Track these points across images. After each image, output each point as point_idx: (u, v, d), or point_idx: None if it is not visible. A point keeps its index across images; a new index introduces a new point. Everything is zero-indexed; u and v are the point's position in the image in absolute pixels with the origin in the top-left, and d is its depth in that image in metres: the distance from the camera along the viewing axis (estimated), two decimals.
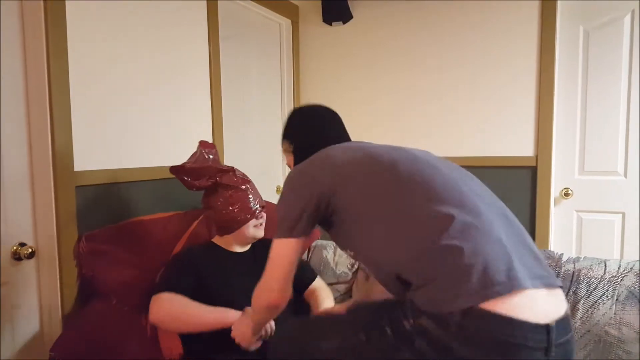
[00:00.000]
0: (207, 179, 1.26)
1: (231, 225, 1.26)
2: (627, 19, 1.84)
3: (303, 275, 1.36)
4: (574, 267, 1.29)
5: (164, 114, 1.55)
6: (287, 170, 1.83)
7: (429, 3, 2.12)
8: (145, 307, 1.23)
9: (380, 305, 0.82)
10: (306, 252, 1.62)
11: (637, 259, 1.85)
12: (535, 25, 1.94)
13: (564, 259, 1.34)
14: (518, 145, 2.00)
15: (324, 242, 1.65)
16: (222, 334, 1.09)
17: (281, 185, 1.89)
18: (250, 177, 1.36)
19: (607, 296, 1.21)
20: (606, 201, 1.93)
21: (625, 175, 1.90)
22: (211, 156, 1.31)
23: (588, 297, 1.23)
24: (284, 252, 0.87)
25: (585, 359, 1.19)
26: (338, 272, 1.54)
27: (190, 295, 1.15)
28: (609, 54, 1.88)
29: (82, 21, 1.25)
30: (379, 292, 0.92)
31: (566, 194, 1.98)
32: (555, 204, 2.01)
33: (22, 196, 1.18)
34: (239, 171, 1.32)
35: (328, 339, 0.82)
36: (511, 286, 0.69)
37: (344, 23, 2.28)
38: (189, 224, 1.46)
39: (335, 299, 1.49)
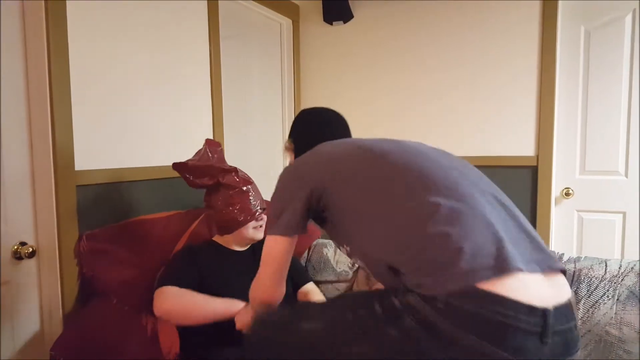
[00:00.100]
0: (209, 178, 1.27)
1: (231, 225, 1.26)
2: (628, 18, 1.84)
3: (298, 276, 1.36)
4: (575, 267, 1.29)
5: (165, 113, 1.55)
6: None
7: (430, 3, 2.11)
8: (145, 307, 1.23)
9: (371, 291, 0.81)
10: (307, 250, 1.62)
11: (638, 258, 1.85)
12: (536, 25, 1.93)
13: (565, 258, 1.34)
14: (519, 145, 2.00)
15: (325, 240, 1.65)
16: (222, 330, 1.09)
17: None
18: (252, 177, 1.37)
19: (607, 296, 1.21)
20: (607, 201, 1.92)
21: (626, 175, 1.90)
22: (215, 155, 1.31)
23: (589, 296, 1.23)
24: (276, 249, 0.88)
25: (586, 358, 1.19)
26: (338, 270, 1.54)
27: (193, 290, 1.15)
28: (610, 53, 1.87)
29: (82, 21, 1.25)
30: None
31: (567, 194, 1.98)
32: (556, 204, 2.01)
33: (23, 195, 1.18)
34: (242, 172, 1.32)
35: (311, 320, 0.79)
36: (502, 269, 0.67)
37: (344, 23, 2.28)
38: (190, 224, 1.46)
39: None
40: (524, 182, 1.99)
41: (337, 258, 1.57)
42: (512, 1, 1.97)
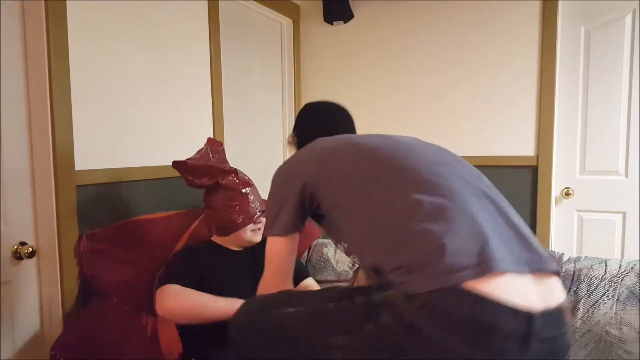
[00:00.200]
0: (208, 178, 1.26)
1: (229, 227, 1.25)
2: (629, 18, 1.84)
3: (296, 272, 1.35)
4: (575, 267, 1.29)
5: (165, 113, 1.55)
6: None
7: (430, 3, 2.11)
8: (145, 307, 1.23)
9: (357, 286, 0.81)
10: (307, 250, 1.62)
11: (638, 258, 1.85)
12: (537, 25, 1.93)
13: (565, 258, 1.34)
14: (519, 144, 2.00)
15: (325, 240, 1.65)
16: (222, 329, 1.09)
17: None
18: (252, 177, 1.36)
19: (607, 296, 1.21)
20: (607, 201, 1.92)
21: (626, 175, 1.90)
22: (216, 155, 1.31)
23: (589, 296, 1.23)
24: (277, 249, 0.88)
25: (586, 358, 1.19)
26: (339, 269, 1.54)
27: (194, 288, 1.15)
28: (610, 53, 1.87)
29: (83, 21, 1.25)
30: None
31: (567, 194, 1.98)
32: (556, 204, 2.01)
33: (23, 195, 1.18)
34: (242, 173, 1.31)
35: (294, 306, 0.79)
36: (485, 268, 0.63)
37: (345, 22, 2.28)
38: (190, 224, 1.46)
39: None
40: (524, 182, 1.99)
41: (337, 258, 1.57)
42: (512, 1, 1.97)
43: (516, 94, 1.99)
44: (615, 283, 1.22)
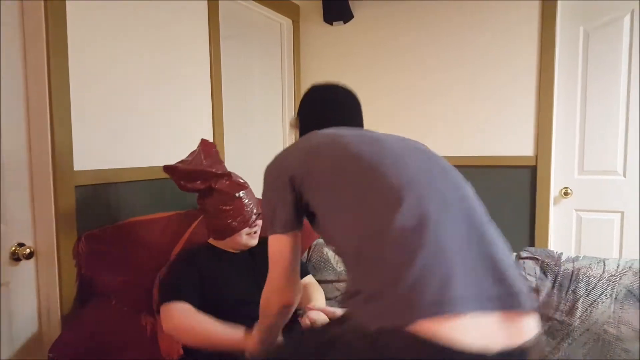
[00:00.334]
0: (201, 182, 1.22)
1: (224, 231, 1.22)
2: (627, 19, 1.85)
3: None
4: (573, 266, 1.30)
5: (164, 113, 1.55)
6: None
7: (430, 3, 2.12)
8: (144, 307, 1.23)
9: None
10: (307, 250, 1.62)
11: (636, 258, 1.86)
12: (536, 25, 1.94)
13: (564, 258, 1.35)
14: (518, 144, 2.01)
15: None
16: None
17: None
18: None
19: (606, 295, 1.21)
20: (605, 200, 1.93)
21: (624, 175, 1.90)
22: (209, 158, 1.25)
23: (587, 295, 1.23)
24: (278, 249, 0.85)
25: (584, 357, 1.19)
26: (339, 270, 1.54)
27: (198, 301, 1.13)
28: (609, 54, 1.88)
29: (82, 20, 1.25)
30: None
31: (566, 194, 1.98)
32: (554, 203, 2.02)
33: (21, 196, 1.17)
34: (236, 176, 1.27)
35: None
36: (442, 308, 0.60)
37: (344, 23, 2.28)
38: (189, 224, 1.46)
39: (335, 297, 1.49)
40: (523, 182, 2.00)
41: (337, 258, 1.57)
42: (511, 1, 1.97)
43: (515, 94, 2.00)
44: (613, 282, 1.22)
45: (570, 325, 1.22)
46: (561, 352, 1.22)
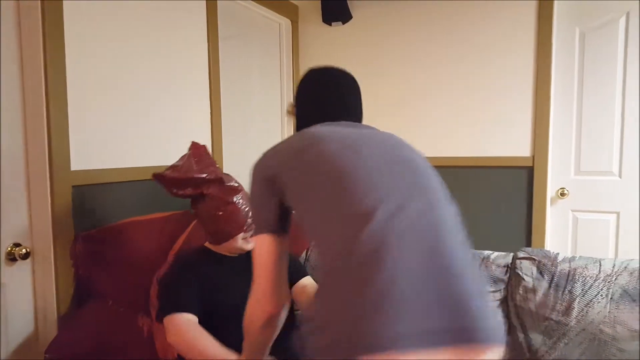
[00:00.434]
0: (192, 189, 1.18)
1: (219, 236, 1.19)
2: (623, 20, 1.86)
3: (294, 272, 1.32)
4: (570, 266, 1.30)
5: (162, 113, 1.54)
6: None
7: (428, 3, 2.12)
8: (141, 308, 1.23)
9: None
10: (306, 250, 1.62)
11: (631, 258, 1.87)
12: (532, 26, 1.95)
13: (560, 258, 1.35)
14: (514, 145, 2.02)
15: None
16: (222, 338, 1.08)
17: None
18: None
19: (601, 295, 1.22)
20: (601, 201, 1.94)
21: (620, 176, 1.92)
22: (200, 163, 1.20)
23: (583, 295, 1.24)
24: (263, 249, 0.81)
25: (580, 357, 1.20)
26: None
27: (199, 307, 1.13)
28: (605, 55, 1.89)
29: (79, 20, 1.24)
30: None
31: (562, 194, 1.99)
32: (551, 204, 2.03)
33: (18, 196, 1.17)
34: (230, 179, 1.22)
35: None
36: (383, 344, 0.57)
37: (343, 23, 2.28)
38: (187, 225, 1.46)
39: None
40: (520, 183, 2.01)
41: None
42: (508, 2, 1.98)
43: (512, 95, 2.01)
44: (609, 282, 1.23)
45: (567, 325, 1.23)
46: (557, 351, 1.23)
